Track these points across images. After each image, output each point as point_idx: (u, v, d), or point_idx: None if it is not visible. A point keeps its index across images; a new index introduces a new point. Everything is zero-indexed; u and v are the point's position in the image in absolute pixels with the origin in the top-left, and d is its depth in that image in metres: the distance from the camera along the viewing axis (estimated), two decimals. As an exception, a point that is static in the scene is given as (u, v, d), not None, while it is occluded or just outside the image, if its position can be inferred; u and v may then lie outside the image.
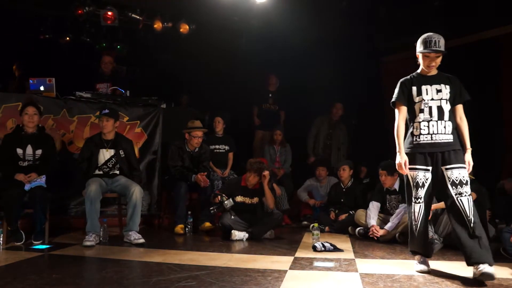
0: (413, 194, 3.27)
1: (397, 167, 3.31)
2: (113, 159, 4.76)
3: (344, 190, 5.78)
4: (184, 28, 7.57)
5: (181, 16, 7.56)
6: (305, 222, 5.86)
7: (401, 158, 3.26)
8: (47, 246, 4.11)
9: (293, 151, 6.94)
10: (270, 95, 7.39)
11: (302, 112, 7.52)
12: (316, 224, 4.69)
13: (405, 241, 4.54)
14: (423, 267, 3.31)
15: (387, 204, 4.93)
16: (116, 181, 4.69)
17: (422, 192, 3.24)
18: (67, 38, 8.07)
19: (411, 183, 3.29)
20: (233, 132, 6.56)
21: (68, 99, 5.45)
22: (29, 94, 5.21)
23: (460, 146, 3.24)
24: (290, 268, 3.39)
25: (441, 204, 4.20)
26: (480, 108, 5.98)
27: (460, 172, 3.15)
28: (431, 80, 3.29)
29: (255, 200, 5.05)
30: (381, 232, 4.64)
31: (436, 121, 3.21)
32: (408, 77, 3.40)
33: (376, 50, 7.76)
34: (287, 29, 6.91)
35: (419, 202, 3.25)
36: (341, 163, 5.98)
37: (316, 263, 3.64)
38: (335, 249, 4.14)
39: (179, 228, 5.03)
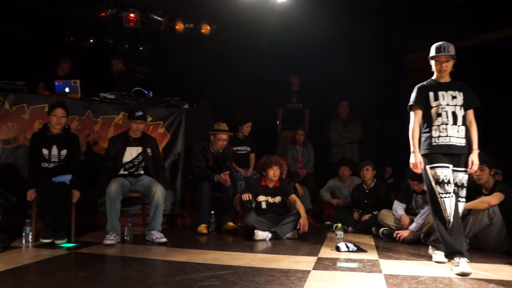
0: (438, 190, 3.39)
1: (411, 166, 3.55)
2: (140, 156, 4.79)
3: (367, 191, 5.70)
4: (206, 28, 7.61)
5: (203, 17, 7.60)
6: (328, 222, 5.81)
7: (416, 158, 3.50)
8: (74, 245, 4.19)
9: (316, 151, 6.91)
10: (294, 94, 7.39)
11: (326, 110, 7.47)
12: (339, 224, 4.66)
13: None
14: (464, 269, 3.20)
15: (413, 203, 4.87)
16: (140, 180, 4.73)
17: (448, 187, 3.37)
18: (91, 41, 8.20)
19: (433, 182, 3.42)
20: (254, 133, 6.55)
21: (92, 100, 5.54)
22: (58, 96, 5.31)
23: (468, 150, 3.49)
24: (314, 269, 3.38)
25: (469, 204, 4.11)
26: (503, 107, 5.85)
27: (464, 177, 3.49)
28: (446, 87, 3.54)
29: (277, 199, 5.05)
30: (405, 233, 4.58)
31: (451, 125, 3.46)
32: (425, 82, 3.65)
33: (400, 48, 7.67)
34: (308, 28, 6.88)
35: (449, 196, 3.36)
36: (363, 163, 5.84)
37: (339, 264, 3.62)
38: (359, 249, 4.11)
39: (202, 227, 5.05)
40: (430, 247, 3.83)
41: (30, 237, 4.07)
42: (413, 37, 7.20)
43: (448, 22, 6.38)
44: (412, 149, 3.53)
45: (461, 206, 3.49)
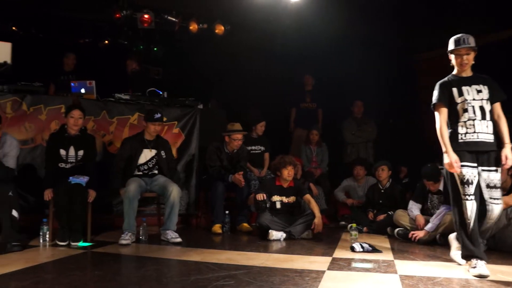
0: (462, 191, 3.25)
1: (447, 167, 3.32)
2: (154, 159, 4.83)
3: (382, 191, 5.64)
4: (219, 29, 7.64)
5: (216, 17, 7.62)
6: (343, 222, 5.78)
7: (451, 157, 3.28)
8: (90, 244, 4.23)
9: (330, 151, 6.89)
10: (307, 93, 7.37)
11: (339, 110, 7.44)
12: (354, 225, 4.63)
13: (446, 243, 4.43)
14: (481, 271, 3.14)
15: (428, 203, 4.82)
16: (155, 180, 4.76)
17: (472, 189, 3.23)
18: (106, 42, 8.29)
19: (458, 181, 3.28)
20: (267, 133, 6.55)
21: (107, 101, 5.59)
22: (74, 96, 5.37)
23: (497, 146, 3.30)
24: (328, 269, 3.36)
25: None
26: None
27: (495, 176, 3.28)
28: (469, 81, 3.37)
29: (292, 199, 5.04)
30: (421, 233, 4.53)
31: (480, 121, 3.27)
32: (446, 79, 3.47)
33: (413, 47, 7.60)
34: (321, 28, 6.85)
35: (471, 199, 3.23)
36: (379, 163, 5.79)
37: (354, 264, 3.60)
38: (374, 250, 4.08)
39: (216, 227, 5.06)
40: (454, 238, 3.62)
41: (47, 236, 4.13)
42: (426, 37, 7.15)
43: (460, 21, 6.31)
44: (444, 149, 3.32)
45: (498, 209, 3.26)
